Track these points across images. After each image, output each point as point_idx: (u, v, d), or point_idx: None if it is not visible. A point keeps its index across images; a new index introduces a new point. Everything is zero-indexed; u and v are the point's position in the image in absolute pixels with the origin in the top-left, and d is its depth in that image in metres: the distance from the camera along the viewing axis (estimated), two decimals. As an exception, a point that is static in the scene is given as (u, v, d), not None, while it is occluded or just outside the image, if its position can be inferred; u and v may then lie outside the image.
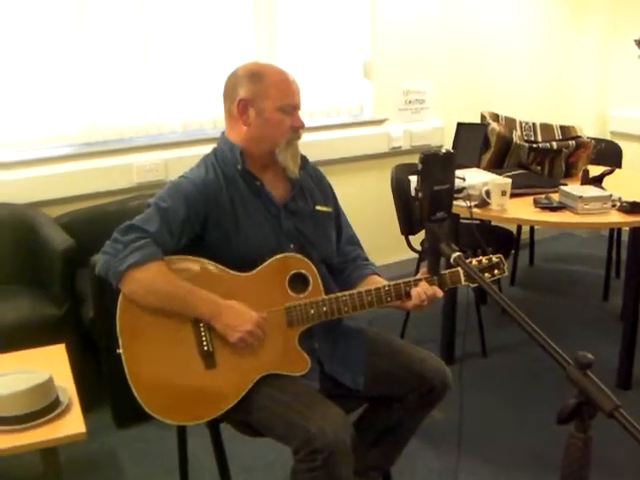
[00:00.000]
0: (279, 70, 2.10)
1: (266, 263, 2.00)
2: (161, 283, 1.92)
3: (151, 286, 1.92)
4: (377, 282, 2.14)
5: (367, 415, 2.23)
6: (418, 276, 2.05)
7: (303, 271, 2.01)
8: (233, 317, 1.93)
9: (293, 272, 2.01)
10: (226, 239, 2.01)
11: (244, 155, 2.07)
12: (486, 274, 2.02)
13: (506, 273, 2.08)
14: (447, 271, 2.03)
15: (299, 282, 2.01)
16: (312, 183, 2.22)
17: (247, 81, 2.06)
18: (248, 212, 2.05)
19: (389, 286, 2.03)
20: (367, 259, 2.29)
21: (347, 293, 2.02)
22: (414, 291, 2.01)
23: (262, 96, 2.04)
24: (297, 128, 2.08)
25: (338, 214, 2.28)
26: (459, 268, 1.99)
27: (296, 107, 2.08)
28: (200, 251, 2.01)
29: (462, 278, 2.03)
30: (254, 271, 2.00)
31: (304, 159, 2.18)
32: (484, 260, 2.05)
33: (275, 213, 2.09)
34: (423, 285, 2.01)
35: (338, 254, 2.23)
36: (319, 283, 2.03)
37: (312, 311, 1.99)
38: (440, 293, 2.03)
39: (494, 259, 2.07)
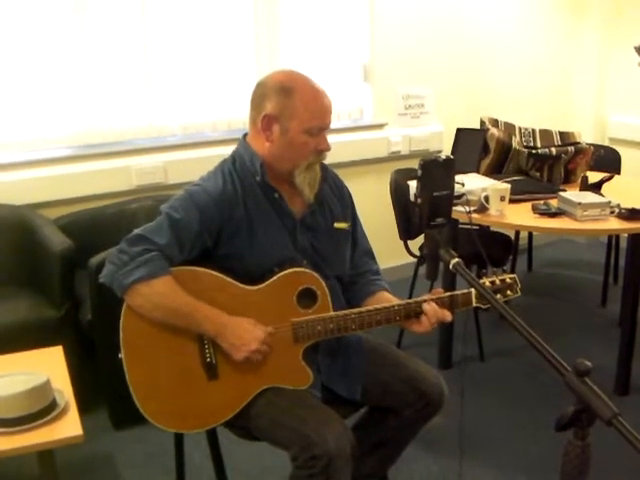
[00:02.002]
0: (311, 86, 1.97)
1: (275, 277, 1.97)
2: (166, 299, 1.89)
3: (156, 302, 1.89)
4: (386, 299, 2.10)
5: (362, 426, 2.21)
6: (429, 296, 2.00)
7: (312, 286, 1.98)
8: (238, 336, 1.90)
9: (302, 287, 1.97)
10: (238, 253, 1.97)
11: (264, 167, 2.00)
12: (498, 295, 1.97)
13: (519, 294, 2.02)
14: (459, 292, 2.00)
15: (308, 297, 1.98)
16: (332, 194, 2.14)
17: (275, 95, 1.95)
18: (263, 225, 2.00)
19: (399, 306, 1.98)
20: (378, 272, 2.24)
21: (356, 311, 1.98)
22: (424, 318, 1.96)
23: (289, 115, 1.94)
24: (321, 151, 1.99)
25: (355, 226, 2.22)
26: (472, 289, 1.96)
27: (323, 129, 1.98)
28: (210, 261, 1.97)
29: (474, 300, 1.99)
30: (263, 284, 1.97)
31: (324, 168, 2.10)
32: (497, 281, 1.99)
33: (291, 227, 2.04)
34: (434, 307, 1.96)
35: (350, 267, 2.18)
36: (328, 299, 1.99)
37: (319, 327, 1.96)
38: (449, 317, 1.97)
39: (508, 280, 2.01)
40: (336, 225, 2.13)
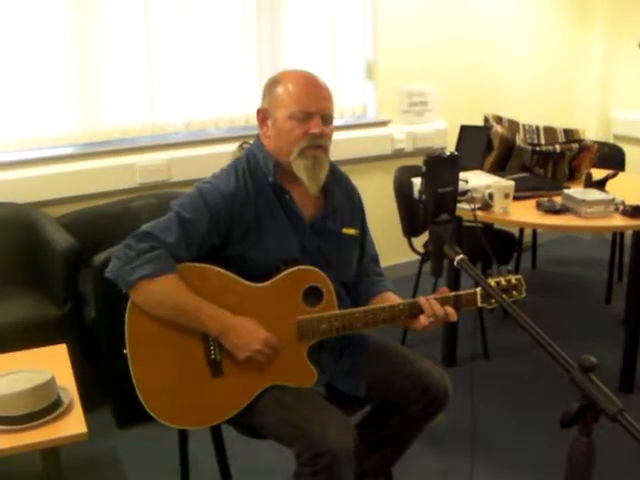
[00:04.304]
0: (301, 75, 2.00)
1: (282, 274, 1.96)
2: (170, 298, 1.89)
3: (160, 300, 1.89)
4: (390, 299, 2.10)
5: (366, 423, 2.20)
6: (435, 295, 1.99)
7: (318, 284, 1.97)
8: (241, 336, 1.90)
9: (308, 285, 1.97)
10: (245, 253, 1.97)
11: (277, 167, 1.99)
12: (504, 296, 1.94)
13: (524, 295, 2.01)
14: (463, 292, 2.00)
15: (313, 295, 1.98)
16: (342, 199, 2.13)
17: (267, 90, 2.01)
18: (272, 226, 1.99)
19: (404, 305, 1.99)
20: (382, 274, 2.24)
21: (361, 309, 1.98)
22: (422, 316, 1.95)
23: (275, 105, 1.97)
24: (312, 136, 1.94)
25: (364, 234, 2.21)
26: (477, 290, 1.97)
27: (311, 114, 1.94)
28: (217, 259, 1.97)
29: (478, 299, 1.99)
30: (269, 282, 1.96)
31: (336, 173, 2.10)
32: (503, 282, 1.99)
33: (300, 230, 2.03)
34: (432, 303, 1.95)
35: (356, 271, 2.18)
36: (333, 297, 1.98)
37: (324, 325, 1.95)
38: (453, 316, 1.96)
39: (513, 280, 2.00)
40: (344, 231, 2.12)
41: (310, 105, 1.95)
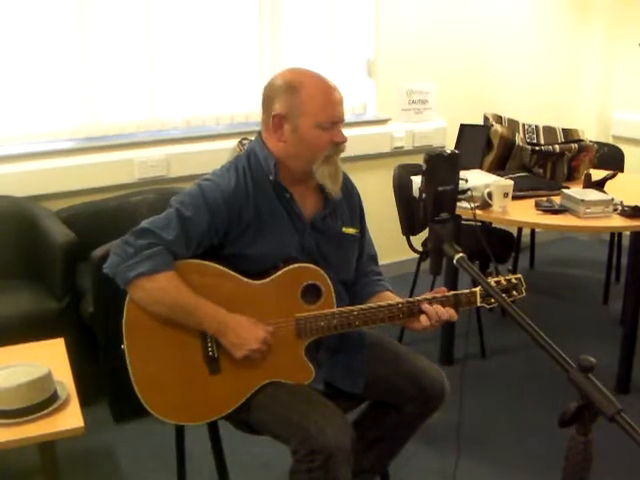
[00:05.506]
0: (319, 80, 1.97)
1: (280, 272, 1.96)
2: (168, 295, 1.88)
3: (158, 297, 1.88)
4: (389, 298, 2.10)
5: (363, 421, 2.20)
6: (433, 295, 1.99)
7: (317, 282, 1.97)
8: (238, 335, 1.90)
9: (307, 283, 1.97)
10: (244, 251, 1.97)
11: (278, 166, 1.98)
12: (504, 295, 1.90)
13: (524, 294, 2.00)
14: (463, 291, 1.99)
15: (312, 293, 1.98)
16: (342, 198, 2.12)
17: (283, 94, 1.94)
18: (272, 224, 1.99)
19: (402, 304, 1.98)
20: (380, 274, 2.24)
21: (359, 307, 1.98)
22: (423, 317, 1.95)
23: (297, 112, 1.92)
24: (337, 143, 1.97)
25: (363, 233, 2.21)
26: (477, 289, 1.96)
27: (335, 122, 1.95)
28: (215, 256, 1.97)
29: (478, 299, 1.98)
30: (268, 279, 1.96)
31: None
32: (503, 281, 1.98)
33: (300, 228, 2.03)
34: (435, 307, 1.95)
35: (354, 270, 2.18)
36: (332, 295, 1.98)
37: (322, 323, 1.95)
38: (454, 316, 1.96)
39: (513, 280, 1.99)
40: (344, 230, 2.12)
41: (334, 115, 1.95)
